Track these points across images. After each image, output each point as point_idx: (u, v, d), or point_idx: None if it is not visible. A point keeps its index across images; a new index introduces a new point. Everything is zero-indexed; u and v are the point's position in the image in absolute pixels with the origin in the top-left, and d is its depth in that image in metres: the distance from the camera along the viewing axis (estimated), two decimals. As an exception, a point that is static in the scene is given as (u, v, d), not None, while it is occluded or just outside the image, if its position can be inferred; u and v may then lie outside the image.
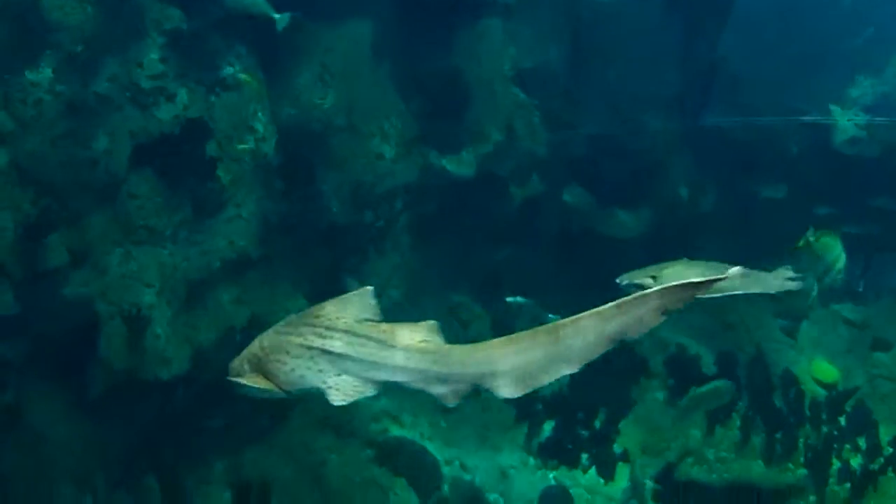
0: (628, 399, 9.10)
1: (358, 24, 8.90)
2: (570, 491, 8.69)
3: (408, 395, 5.47)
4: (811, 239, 8.67)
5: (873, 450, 8.54)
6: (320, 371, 4.05)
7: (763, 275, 6.88)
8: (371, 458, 8.52)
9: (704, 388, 8.00)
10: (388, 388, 4.05)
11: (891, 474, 8.22)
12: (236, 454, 8.17)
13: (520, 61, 9.87)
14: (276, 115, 8.31)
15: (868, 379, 9.93)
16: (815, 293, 9.02)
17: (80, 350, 7.14)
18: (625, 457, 8.67)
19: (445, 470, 8.72)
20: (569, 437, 8.56)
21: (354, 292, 4.37)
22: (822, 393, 9.58)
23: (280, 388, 4.13)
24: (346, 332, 4.09)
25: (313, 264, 8.90)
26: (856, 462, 8.44)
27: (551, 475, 8.86)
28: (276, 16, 7.81)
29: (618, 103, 10.44)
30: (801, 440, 8.55)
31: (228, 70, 7.79)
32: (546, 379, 3.77)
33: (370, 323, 4.18)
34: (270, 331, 4.29)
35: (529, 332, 3.79)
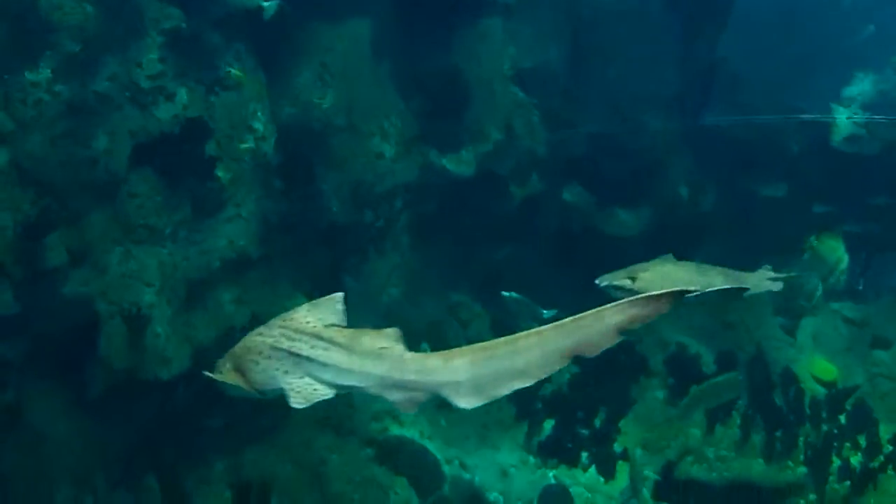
0: (628, 398, 9.10)
1: (358, 23, 8.89)
2: (570, 490, 8.70)
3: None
4: (814, 242, 8.70)
5: (873, 448, 8.55)
6: (286, 372, 4.14)
7: (744, 275, 6.88)
8: (371, 457, 8.52)
9: (715, 380, 7.92)
10: (348, 393, 4.10)
11: (890, 472, 8.22)
12: (236, 453, 8.17)
13: (520, 60, 9.88)
14: (275, 115, 8.31)
15: (868, 377, 9.94)
16: (819, 293, 9.02)
17: (80, 349, 7.14)
18: (625, 455, 8.68)
19: (445, 469, 8.73)
20: (569, 435, 8.55)
21: (325, 298, 4.47)
22: (821, 391, 9.59)
23: (252, 388, 4.20)
24: (312, 335, 4.18)
25: (313, 264, 8.90)
26: (855, 460, 8.45)
27: (551, 474, 8.86)
28: (265, 3, 7.76)
29: (618, 102, 10.44)
30: (801, 438, 8.56)
31: (228, 69, 7.79)
32: (503, 390, 3.80)
33: (336, 328, 4.24)
34: (253, 332, 4.39)
35: (489, 343, 3.83)
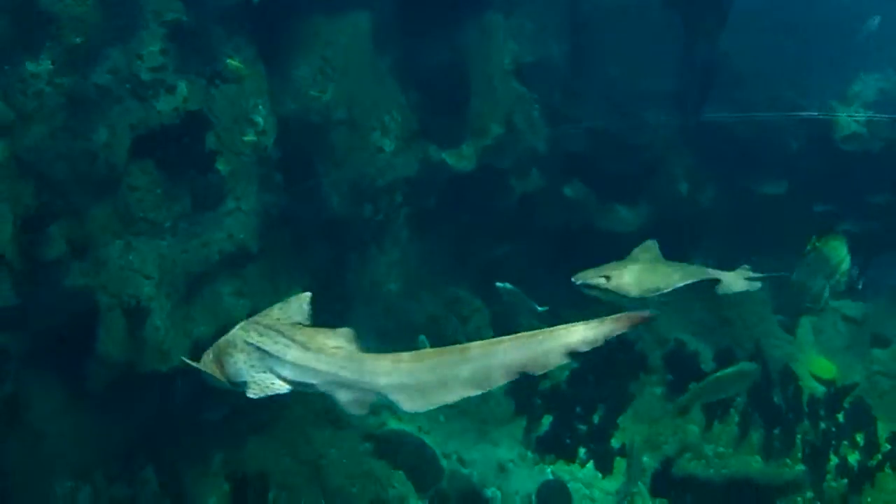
0: (627, 394, 9.09)
1: (358, 17, 8.88)
2: (568, 485, 8.71)
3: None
4: (817, 242, 8.67)
5: (871, 446, 8.54)
6: (252, 366, 4.28)
7: (723, 274, 6.84)
8: (369, 451, 8.54)
9: (729, 370, 7.86)
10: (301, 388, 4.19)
11: (888, 470, 8.22)
12: (235, 447, 8.18)
13: (520, 56, 9.87)
14: (276, 108, 8.30)
15: (866, 375, 9.95)
16: (827, 295, 8.98)
17: (80, 341, 7.13)
18: (623, 451, 8.68)
19: (444, 463, 8.75)
20: (567, 431, 8.55)
21: (294, 296, 4.66)
22: (820, 389, 9.59)
23: (225, 379, 4.35)
24: (278, 332, 4.32)
25: (313, 257, 8.91)
26: (853, 458, 8.44)
27: (549, 469, 8.88)
28: None
29: (618, 98, 10.44)
30: (800, 436, 8.55)
31: (226, 60, 7.77)
32: (450, 398, 3.83)
33: (298, 326, 4.41)
34: (237, 325, 4.52)
35: (440, 349, 3.88)
